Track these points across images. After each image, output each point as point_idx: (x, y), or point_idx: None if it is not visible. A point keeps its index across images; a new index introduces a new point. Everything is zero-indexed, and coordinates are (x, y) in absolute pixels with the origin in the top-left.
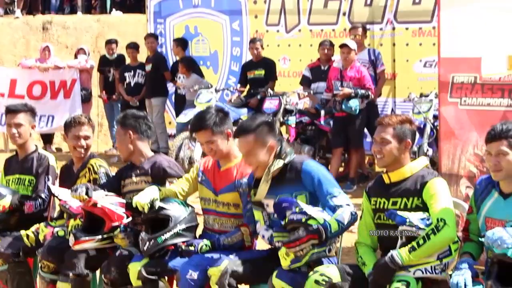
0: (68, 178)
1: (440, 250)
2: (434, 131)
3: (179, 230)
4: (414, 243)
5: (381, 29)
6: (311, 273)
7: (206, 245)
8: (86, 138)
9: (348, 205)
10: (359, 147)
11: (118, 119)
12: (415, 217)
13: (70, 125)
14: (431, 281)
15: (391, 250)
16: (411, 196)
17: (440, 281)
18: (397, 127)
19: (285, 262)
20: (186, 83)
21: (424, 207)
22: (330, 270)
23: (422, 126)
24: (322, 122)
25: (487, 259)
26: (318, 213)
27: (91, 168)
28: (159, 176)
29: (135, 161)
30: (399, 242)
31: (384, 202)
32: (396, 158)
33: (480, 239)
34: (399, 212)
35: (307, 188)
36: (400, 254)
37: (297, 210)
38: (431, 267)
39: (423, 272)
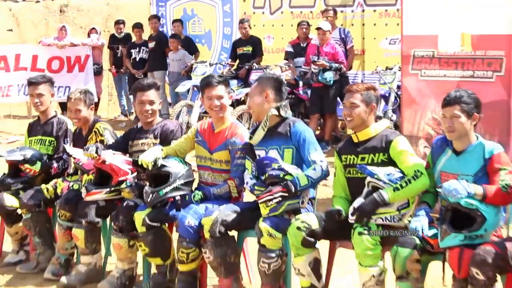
0: (78, 142)
1: (417, 193)
2: (398, 99)
3: (178, 184)
4: (397, 185)
5: (352, 11)
6: (293, 220)
7: (198, 194)
8: (77, 111)
9: (321, 161)
10: (333, 113)
11: (151, 84)
12: (382, 172)
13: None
14: (389, 227)
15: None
16: (377, 152)
17: (397, 227)
18: (364, 93)
19: (264, 211)
20: (173, 56)
21: (389, 162)
22: (309, 218)
23: (387, 95)
24: (300, 91)
25: (441, 208)
26: (293, 170)
27: (97, 131)
28: (167, 137)
29: (147, 125)
30: (365, 189)
31: (353, 158)
32: (363, 120)
33: (437, 189)
34: (368, 167)
35: (294, 143)
36: (386, 191)
37: (276, 166)
38: (390, 216)
39: (383, 220)
